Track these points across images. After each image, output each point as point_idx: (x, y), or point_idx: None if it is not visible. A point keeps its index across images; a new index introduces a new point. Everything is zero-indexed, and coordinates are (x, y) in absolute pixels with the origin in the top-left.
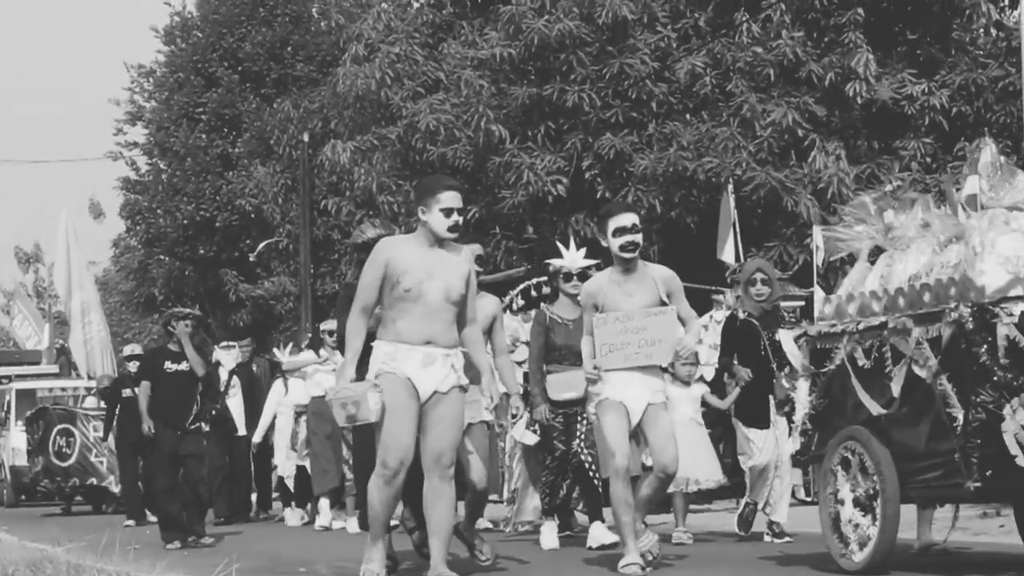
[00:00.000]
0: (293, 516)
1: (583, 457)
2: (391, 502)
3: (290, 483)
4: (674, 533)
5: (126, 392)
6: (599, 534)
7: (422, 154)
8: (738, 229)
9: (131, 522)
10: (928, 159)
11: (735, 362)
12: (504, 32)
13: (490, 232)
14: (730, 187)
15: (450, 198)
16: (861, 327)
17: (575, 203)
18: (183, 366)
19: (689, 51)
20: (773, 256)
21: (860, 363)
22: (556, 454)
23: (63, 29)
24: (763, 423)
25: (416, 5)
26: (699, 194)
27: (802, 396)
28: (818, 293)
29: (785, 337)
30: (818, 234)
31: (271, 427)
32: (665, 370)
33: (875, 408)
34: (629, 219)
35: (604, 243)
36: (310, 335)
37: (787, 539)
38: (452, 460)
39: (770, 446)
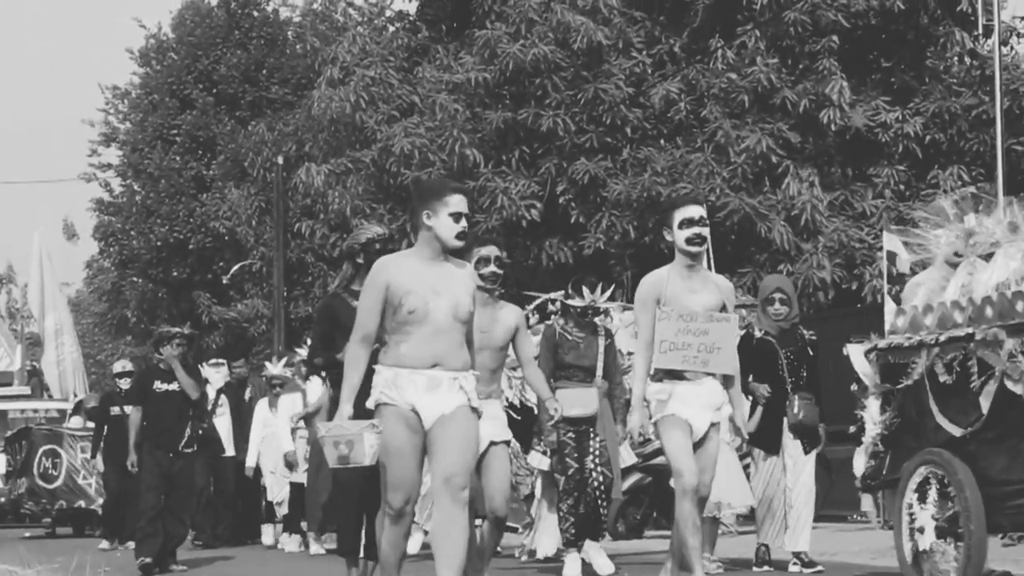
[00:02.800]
0: (291, 542)
1: (595, 474)
2: (400, 541)
3: (281, 509)
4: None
5: (114, 410)
6: (592, 555)
7: (396, 178)
8: (712, 255)
9: (105, 543)
10: (901, 186)
11: (750, 380)
12: (479, 56)
13: (464, 256)
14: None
15: (459, 201)
16: (942, 339)
17: (549, 228)
18: (174, 386)
19: (664, 77)
20: (746, 282)
21: (941, 379)
22: (570, 472)
23: (38, 50)
24: (773, 449)
25: (391, 29)
26: None
27: (872, 415)
28: (888, 304)
29: (854, 352)
30: (891, 240)
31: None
32: None
33: (955, 429)
34: (696, 211)
35: (668, 236)
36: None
37: (818, 568)
38: (465, 483)
39: (777, 475)
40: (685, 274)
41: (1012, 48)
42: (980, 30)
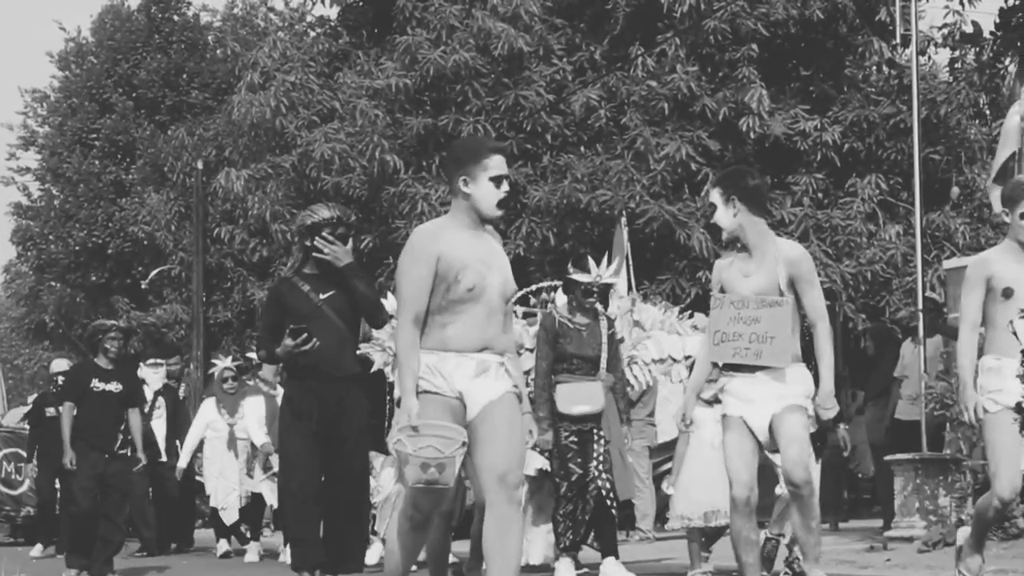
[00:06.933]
0: (252, 550)
1: (599, 483)
2: (418, 550)
3: (227, 515)
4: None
5: (49, 411)
6: (612, 571)
7: (316, 183)
8: (631, 262)
9: (37, 550)
10: (820, 194)
11: None
12: (400, 62)
13: (384, 262)
14: (623, 220)
15: (499, 163)
16: None
17: None
18: (112, 386)
19: (584, 84)
20: (665, 289)
21: None
22: (573, 478)
23: None
24: None
25: (312, 34)
26: (592, 226)
27: None
28: None
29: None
30: None
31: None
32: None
33: None
34: (712, 195)
35: None
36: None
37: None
38: (519, 480)
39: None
40: (744, 256)
41: (929, 58)
42: (898, 40)
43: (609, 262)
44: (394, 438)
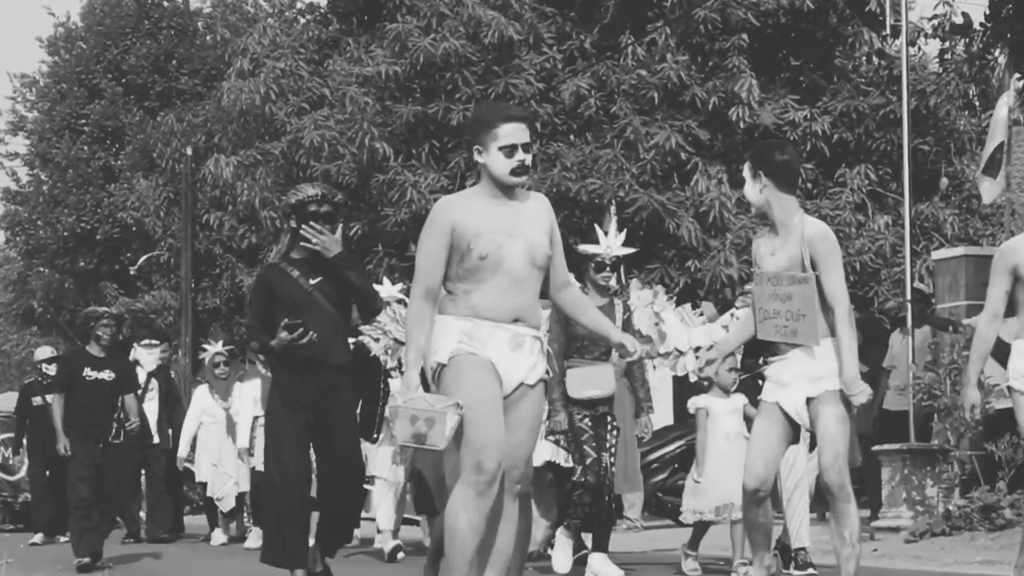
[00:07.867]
0: (255, 535)
1: (611, 472)
2: (483, 522)
3: (224, 504)
4: (684, 564)
5: (36, 400)
6: (600, 567)
7: (306, 170)
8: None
9: (37, 538)
10: (809, 185)
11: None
12: (390, 50)
13: (373, 249)
14: (612, 209)
15: (511, 131)
16: None
17: None
18: (105, 374)
19: (574, 72)
20: (654, 278)
21: None
22: (588, 462)
23: None
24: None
25: (302, 21)
26: (582, 215)
27: None
28: None
29: None
30: None
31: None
32: (707, 378)
33: None
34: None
35: None
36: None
37: (811, 571)
38: (521, 476)
39: (801, 464)
40: (772, 234)
41: (919, 49)
42: (888, 30)
43: None
44: (390, 402)
